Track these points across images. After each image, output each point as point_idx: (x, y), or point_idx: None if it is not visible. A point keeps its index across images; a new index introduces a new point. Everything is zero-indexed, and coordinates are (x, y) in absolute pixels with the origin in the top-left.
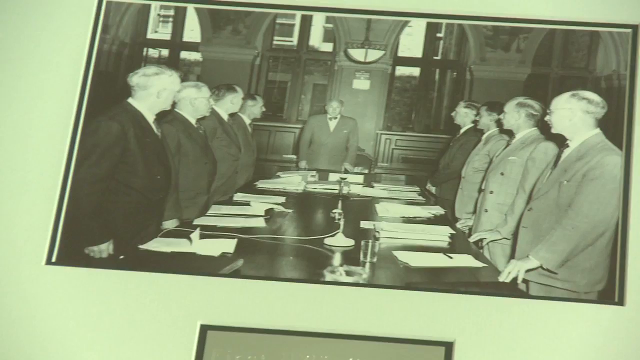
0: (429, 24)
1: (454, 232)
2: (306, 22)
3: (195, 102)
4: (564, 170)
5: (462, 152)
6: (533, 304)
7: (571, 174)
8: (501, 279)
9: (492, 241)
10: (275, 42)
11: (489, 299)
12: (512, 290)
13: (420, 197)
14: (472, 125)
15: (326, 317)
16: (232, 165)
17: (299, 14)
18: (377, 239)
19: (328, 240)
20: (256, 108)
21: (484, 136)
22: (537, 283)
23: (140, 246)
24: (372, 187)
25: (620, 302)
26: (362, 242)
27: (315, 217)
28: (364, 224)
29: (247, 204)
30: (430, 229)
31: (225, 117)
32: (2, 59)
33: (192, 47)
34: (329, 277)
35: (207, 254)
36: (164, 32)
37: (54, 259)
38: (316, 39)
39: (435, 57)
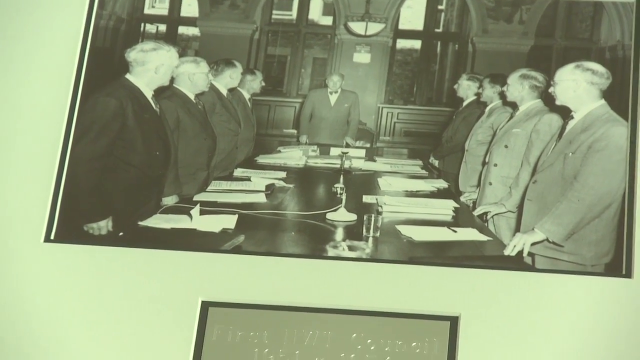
0: None
1: (457, 205)
2: None
3: (193, 78)
4: (568, 142)
5: (465, 124)
6: (539, 278)
7: (576, 146)
8: (506, 252)
9: (496, 214)
10: (274, 16)
11: (494, 272)
12: (517, 263)
13: (423, 171)
14: (475, 97)
15: (329, 292)
16: (231, 140)
17: None
18: (379, 213)
19: (330, 215)
20: (255, 83)
21: (487, 108)
22: (543, 256)
23: (140, 223)
24: (374, 161)
25: (628, 275)
26: (365, 217)
27: (316, 192)
28: (367, 199)
29: (248, 179)
30: (434, 202)
31: (224, 92)
32: None
33: (190, 22)
34: (331, 252)
35: (208, 230)
36: (161, 7)
37: (52, 237)
38: (316, 13)
39: (437, 30)
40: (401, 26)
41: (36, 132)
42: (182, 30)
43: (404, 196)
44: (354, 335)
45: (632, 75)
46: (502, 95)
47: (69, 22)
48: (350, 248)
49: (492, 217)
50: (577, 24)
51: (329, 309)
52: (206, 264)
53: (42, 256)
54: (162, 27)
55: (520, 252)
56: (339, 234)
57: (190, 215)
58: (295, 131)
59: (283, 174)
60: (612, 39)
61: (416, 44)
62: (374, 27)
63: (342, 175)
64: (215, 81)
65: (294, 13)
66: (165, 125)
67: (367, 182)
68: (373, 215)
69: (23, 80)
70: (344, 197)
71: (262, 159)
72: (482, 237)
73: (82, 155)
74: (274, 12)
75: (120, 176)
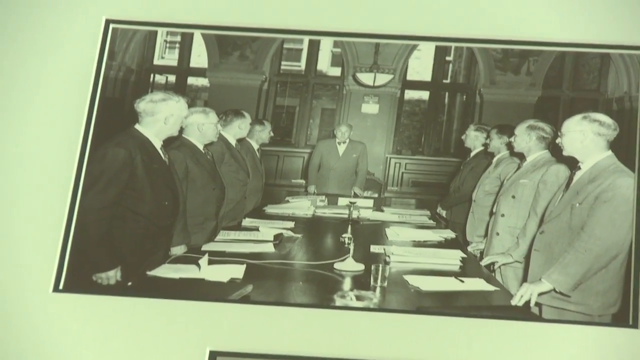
0: (437, 48)
1: (465, 255)
2: (314, 47)
3: (202, 128)
4: (576, 193)
5: (473, 175)
6: (546, 328)
7: (583, 197)
8: (514, 302)
9: (504, 264)
10: (283, 67)
11: (501, 322)
12: (524, 313)
13: (431, 221)
14: (483, 148)
15: (337, 342)
16: (240, 190)
17: (306, 38)
18: (387, 263)
19: (338, 265)
20: (264, 133)
21: (495, 159)
22: (550, 306)
23: (149, 272)
24: (382, 211)
25: (635, 325)
26: (373, 267)
27: (324, 241)
28: (374, 248)
29: (256, 229)
30: (441, 252)
31: (233, 142)
32: (9, 86)
33: (199, 72)
34: (339, 302)
35: (216, 279)
36: (171, 58)
37: (61, 287)
38: (324, 64)
39: (445, 81)
40: (409, 77)
41: (46, 182)
42: (192, 80)
43: (411, 246)
44: None
45: (639, 126)
46: (510, 146)
47: (79, 73)
48: (358, 298)
49: (500, 267)
50: (585, 76)
51: (336, 359)
52: (214, 314)
53: (51, 306)
54: (172, 78)
55: (528, 302)
56: (347, 283)
57: (198, 265)
58: (303, 181)
59: (291, 224)
60: (619, 90)
61: (424, 94)
62: (382, 78)
63: (350, 225)
64: (224, 131)
65: (302, 64)
66: (174, 175)
67: (375, 232)
68: (381, 265)
69: (33, 130)
70: (351, 247)
71: (270, 209)
72: (490, 287)
73: (92, 205)
74: (283, 62)
75: (129, 226)
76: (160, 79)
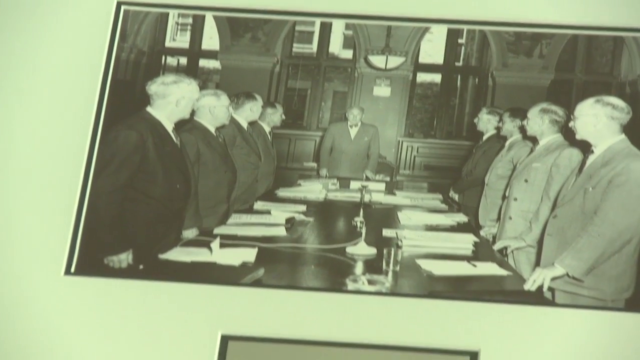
0: (449, 30)
1: (477, 239)
2: (326, 29)
3: (214, 111)
4: (589, 177)
5: (485, 159)
6: (559, 313)
7: (596, 181)
8: (526, 287)
9: (516, 249)
10: (294, 50)
11: (514, 307)
12: (537, 298)
13: (443, 205)
14: (495, 131)
15: (349, 326)
16: (252, 173)
17: (318, 20)
18: (399, 247)
19: (350, 249)
20: (276, 116)
21: (507, 143)
22: (563, 291)
23: (160, 256)
24: (394, 194)
25: None
26: (385, 251)
27: (336, 225)
28: (386, 232)
29: (268, 212)
30: (454, 236)
31: (244, 125)
32: (20, 69)
33: (210, 55)
34: (351, 286)
35: (228, 263)
36: (182, 40)
37: (72, 270)
38: (336, 46)
39: (457, 63)
40: (421, 60)
41: (57, 165)
42: (203, 63)
43: (423, 230)
44: None
45: None
46: (522, 130)
47: (91, 55)
48: (370, 282)
49: (512, 251)
50: (597, 59)
51: (348, 343)
52: (226, 298)
53: (63, 289)
54: (183, 60)
55: (540, 287)
56: (359, 267)
57: (210, 249)
58: (315, 164)
59: (303, 207)
60: (633, 73)
61: (436, 77)
62: (395, 61)
63: (362, 209)
64: (236, 114)
65: (314, 46)
66: (186, 158)
67: (387, 216)
68: (393, 249)
69: (45, 113)
70: (363, 230)
71: (282, 192)
72: (502, 272)
73: (103, 187)
74: (295, 45)
75: (140, 209)
76: (171, 61)
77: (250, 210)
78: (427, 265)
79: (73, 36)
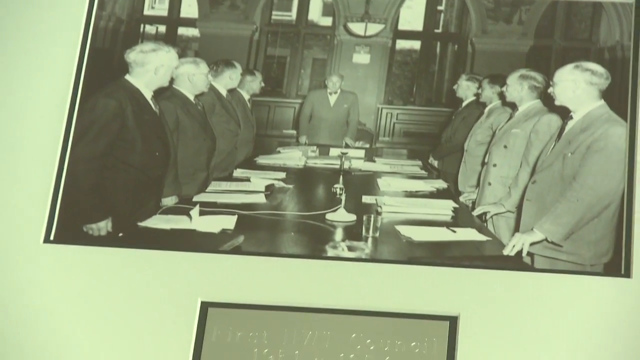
0: None
1: (457, 205)
2: None
3: (193, 78)
4: (568, 142)
5: (465, 125)
6: (538, 277)
7: (575, 146)
8: (505, 252)
9: (495, 214)
10: (273, 17)
11: (493, 272)
12: (516, 263)
13: (423, 171)
14: (474, 98)
15: (328, 292)
16: (231, 141)
17: None
18: (379, 213)
19: (329, 216)
20: (255, 83)
21: (487, 109)
22: (542, 256)
23: (140, 223)
24: (374, 161)
25: (627, 275)
26: (364, 217)
27: (316, 192)
28: (366, 199)
29: (247, 180)
30: (433, 202)
31: (223, 92)
32: None
33: (189, 22)
34: (330, 252)
35: (207, 230)
36: (161, 8)
37: (52, 237)
38: (315, 13)
39: (436, 30)
40: (400, 27)
41: (36, 133)
42: (182, 31)
43: (403, 196)
44: (354, 335)
45: (632, 75)
46: (502, 96)
47: (69, 23)
48: (350, 248)
49: (492, 217)
50: (577, 25)
51: (328, 309)
52: (206, 265)
53: (42, 257)
54: (162, 28)
55: (520, 252)
56: (339, 234)
57: (189, 216)
58: (294, 132)
59: (283, 175)
60: (612, 39)
61: (415, 44)
62: (374, 28)
63: (341, 176)
64: (215, 82)
65: (293, 14)
66: (165, 125)
67: (366, 183)
68: (372, 215)
69: (22, 81)
70: (343, 197)
71: (261, 160)
72: (482, 237)
73: (82, 155)
74: (274, 12)
75: (119, 177)
76: (150, 29)
77: (229, 178)
78: (407, 231)
79: (51, 4)
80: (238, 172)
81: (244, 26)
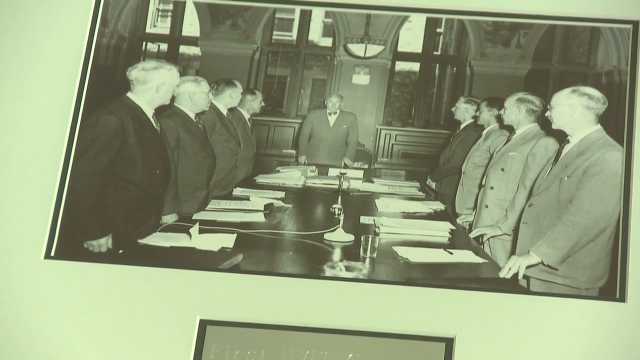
0: (428, 19)
1: (454, 227)
2: (305, 17)
3: (194, 97)
4: (564, 166)
5: (463, 147)
6: (534, 300)
7: (572, 170)
8: (502, 275)
9: (492, 237)
10: (274, 37)
11: (489, 294)
12: (512, 286)
13: (420, 193)
14: (473, 120)
15: (326, 312)
16: (231, 159)
17: (298, 8)
18: (377, 234)
19: (328, 236)
20: (255, 103)
21: (485, 132)
22: (538, 279)
23: (140, 241)
24: (372, 182)
25: (622, 299)
26: (362, 238)
27: (314, 212)
28: (364, 219)
29: (247, 198)
30: (431, 224)
31: (224, 111)
32: (0, 54)
33: (191, 41)
34: (328, 272)
35: (207, 248)
36: (163, 27)
37: (52, 253)
38: (315, 34)
39: (435, 52)
40: (400, 48)
41: (37, 149)
42: (184, 49)
43: (401, 217)
44: (350, 355)
45: (628, 100)
46: (499, 119)
47: (72, 40)
48: (348, 268)
49: (488, 239)
50: (574, 49)
51: (325, 329)
52: (204, 283)
53: (42, 273)
54: (164, 46)
55: (516, 275)
56: (337, 254)
57: (189, 234)
58: (294, 151)
59: (282, 194)
60: (609, 64)
61: (415, 66)
62: (373, 49)
63: (340, 196)
64: (216, 100)
65: (294, 34)
66: (166, 143)
67: (364, 203)
68: (370, 236)
69: (25, 97)
70: (341, 217)
71: (261, 179)
72: (478, 260)
73: (83, 172)
74: (275, 32)
75: (120, 194)
76: (152, 47)
77: (229, 196)
78: (404, 252)
79: (54, 21)
80: (238, 191)
81: (245, 45)
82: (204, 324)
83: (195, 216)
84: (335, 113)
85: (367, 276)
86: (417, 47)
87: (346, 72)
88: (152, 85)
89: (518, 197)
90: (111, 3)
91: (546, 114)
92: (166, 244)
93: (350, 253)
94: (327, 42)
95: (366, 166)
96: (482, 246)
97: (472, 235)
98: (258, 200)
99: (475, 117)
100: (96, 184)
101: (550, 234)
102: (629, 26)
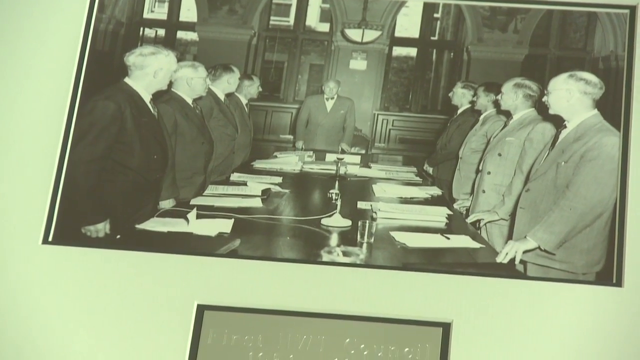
0: (425, 4)
1: (451, 212)
2: (303, 2)
3: (191, 82)
4: (561, 151)
5: (460, 132)
6: (531, 285)
7: (569, 155)
8: (499, 259)
9: (489, 222)
10: (271, 22)
11: (486, 279)
12: (509, 271)
13: (418, 178)
14: (470, 105)
15: (323, 297)
16: (229, 145)
17: None
18: (374, 219)
19: (325, 221)
20: (253, 88)
21: (482, 117)
22: (535, 264)
23: (137, 226)
24: (369, 167)
25: (618, 284)
26: (359, 223)
27: (312, 197)
28: (361, 205)
29: (244, 184)
30: (428, 209)
31: (221, 97)
32: None
33: (188, 27)
34: (326, 257)
35: (204, 234)
36: (161, 12)
37: (50, 239)
38: (313, 19)
39: (433, 38)
40: (397, 34)
41: (35, 135)
42: (181, 35)
43: (398, 203)
44: (348, 340)
45: (625, 85)
46: (496, 104)
47: (69, 25)
48: (345, 254)
49: (485, 224)
50: (571, 34)
51: (323, 314)
52: (202, 268)
53: (40, 258)
54: (161, 32)
55: (513, 260)
56: (334, 239)
57: (186, 219)
58: (291, 137)
59: (279, 179)
60: (606, 49)
61: (412, 51)
62: (371, 34)
63: (337, 181)
64: (213, 86)
65: (291, 19)
66: (163, 129)
67: (362, 189)
68: (367, 221)
69: (22, 83)
70: (339, 203)
71: (258, 164)
72: (475, 245)
73: (81, 157)
74: (272, 18)
75: (118, 179)
76: (149, 32)
77: (226, 182)
78: (401, 237)
79: (51, 6)
80: (235, 176)
81: (242, 31)
82: (201, 309)
83: (193, 201)
84: (332, 98)
85: (364, 261)
86: (414, 32)
87: (343, 57)
88: (149, 71)
89: (515, 182)
90: None
91: (543, 99)
92: (164, 229)
93: (348, 238)
94: (325, 27)
95: (363, 151)
96: (479, 231)
97: (469, 220)
98: (255, 185)
99: (473, 103)
100: (94, 169)
101: (547, 219)
102: (626, 11)
